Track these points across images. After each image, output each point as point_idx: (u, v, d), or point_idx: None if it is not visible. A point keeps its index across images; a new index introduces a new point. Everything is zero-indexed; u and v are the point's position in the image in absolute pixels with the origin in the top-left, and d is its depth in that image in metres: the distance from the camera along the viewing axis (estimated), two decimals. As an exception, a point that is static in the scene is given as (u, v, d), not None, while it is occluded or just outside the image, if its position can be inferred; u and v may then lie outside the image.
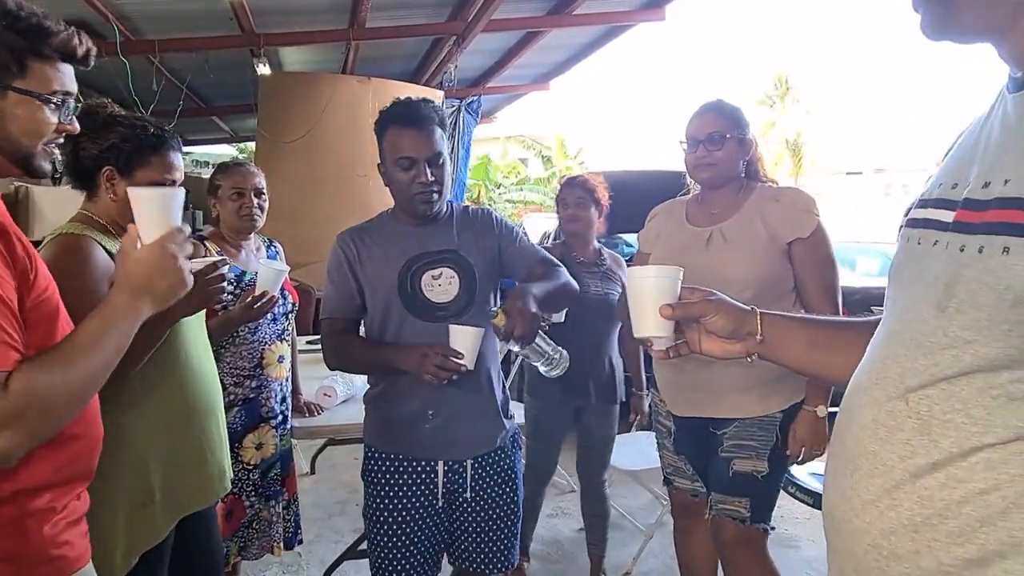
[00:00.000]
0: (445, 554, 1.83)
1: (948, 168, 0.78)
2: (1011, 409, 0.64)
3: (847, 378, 0.82)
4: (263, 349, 2.23)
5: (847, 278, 1.90)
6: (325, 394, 2.55)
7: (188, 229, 1.12)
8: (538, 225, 8.05)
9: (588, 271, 2.56)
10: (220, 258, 1.54)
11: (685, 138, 1.93)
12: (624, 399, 2.71)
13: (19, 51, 1.01)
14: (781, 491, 2.01)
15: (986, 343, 0.65)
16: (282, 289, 2.22)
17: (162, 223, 1.09)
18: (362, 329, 1.81)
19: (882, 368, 0.74)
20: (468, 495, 1.74)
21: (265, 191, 2.29)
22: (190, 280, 1.12)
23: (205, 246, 2.17)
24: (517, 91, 8.90)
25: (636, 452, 2.99)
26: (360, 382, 2.45)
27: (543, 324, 2.18)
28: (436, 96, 6.30)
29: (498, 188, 17.29)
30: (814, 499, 2.38)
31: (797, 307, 1.86)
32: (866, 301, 3.77)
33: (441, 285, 1.68)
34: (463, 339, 1.53)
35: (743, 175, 1.94)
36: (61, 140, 1.11)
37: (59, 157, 1.27)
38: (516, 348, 1.54)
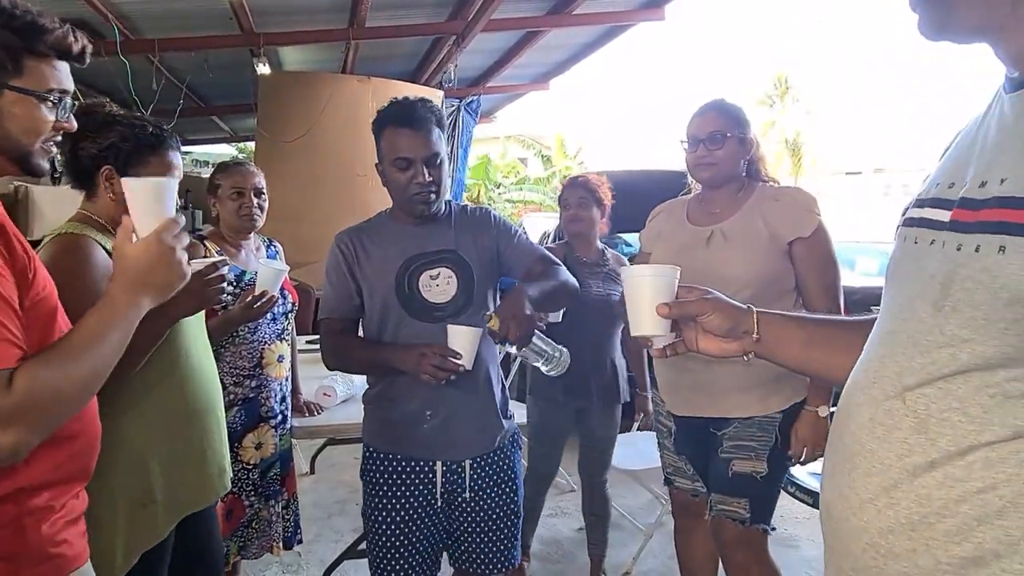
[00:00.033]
0: (445, 554, 1.83)
1: (945, 168, 0.78)
2: (1008, 408, 0.64)
3: (845, 377, 0.82)
4: (263, 349, 2.23)
5: (847, 278, 1.90)
6: (325, 394, 2.55)
7: (183, 219, 1.11)
8: (538, 225, 8.04)
9: (591, 272, 2.56)
10: (220, 259, 1.54)
11: (686, 137, 1.93)
12: (628, 399, 2.71)
13: (14, 49, 1.00)
14: (781, 491, 2.01)
15: (982, 342, 0.65)
16: (282, 289, 2.22)
17: (157, 214, 1.08)
18: (361, 329, 1.81)
19: (879, 367, 0.74)
20: (467, 495, 1.74)
21: (265, 191, 2.29)
22: (188, 271, 1.11)
23: (205, 246, 2.17)
24: (517, 91, 8.90)
25: (636, 452, 2.98)
26: (360, 382, 2.45)
27: (539, 324, 2.18)
28: (436, 96, 6.30)
29: (498, 188, 17.28)
30: (814, 499, 2.38)
31: (798, 307, 1.86)
32: (866, 301, 3.77)
33: (439, 285, 1.68)
34: (461, 339, 1.53)
35: (744, 174, 1.94)
36: (59, 138, 1.11)
37: (58, 156, 1.26)
38: (513, 350, 1.54)
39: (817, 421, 1.83)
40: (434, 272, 1.68)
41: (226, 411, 1.84)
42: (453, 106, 7.72)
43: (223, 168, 2.30)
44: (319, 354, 1.82)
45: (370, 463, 1.76)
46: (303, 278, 4.23)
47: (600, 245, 2.67)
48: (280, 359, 2.30)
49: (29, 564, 0.99)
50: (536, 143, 19.59)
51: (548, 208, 15.03)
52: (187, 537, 1.60)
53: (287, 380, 2.36)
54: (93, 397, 1.08)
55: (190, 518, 1.58)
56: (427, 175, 1.63)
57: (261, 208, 2.27)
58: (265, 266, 2.06)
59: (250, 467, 2.23)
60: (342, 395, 2.60)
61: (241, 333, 2.18)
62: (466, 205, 1.85)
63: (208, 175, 2.50)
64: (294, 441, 2.47)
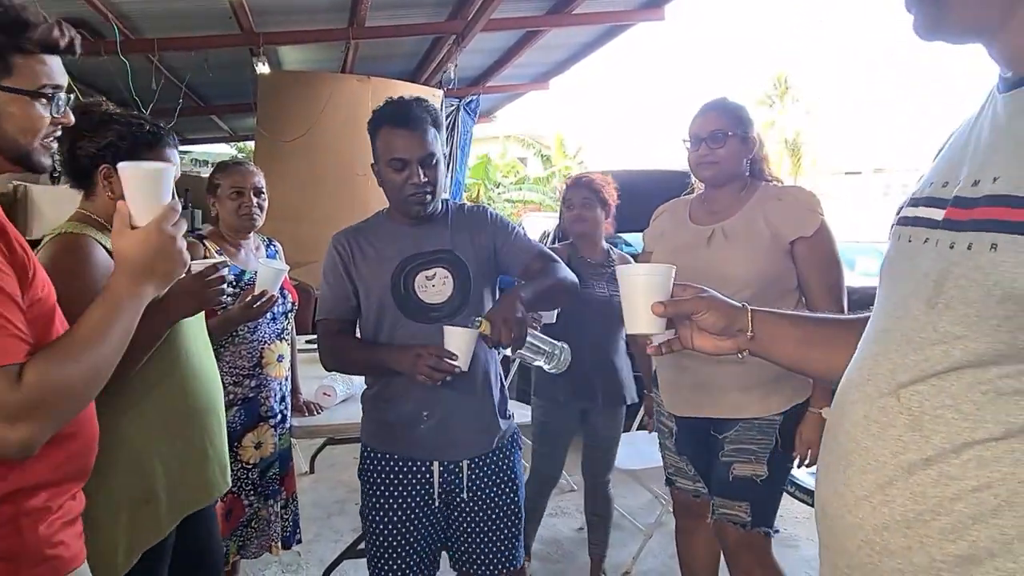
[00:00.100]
0: (446, 556, 1.82)
1: (939, 167, 0.78)
2: (1000, 405, 0.64)
3: (839, 375, 0.82)
4: (262, 348, 2.23)
5: (847, 278, 1.90)
6: (324, 393, 2.55)
7: (179, 206, 1.10)
8: (537, 224, 8.06)
9: (595, 272, 2.54)
10: (221, 259, 1.54)
11: (688, 136, 1.93)
12: (636, 399, 2.71)
13: (1, 48, 0.99)
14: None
15: (975, 338, 0.65)
16: (281, 288, 2.22)
17: (154, 200, 1.07)
18: (358, 330, 1.80)
19: (873, 364, 0.75)
20: (465, 496, 1.74)
21: (264, 190, 2.29)
22: (188, 259, 1.11)
23: (204, 245, 2.17)
24: (516, 90, 8.90)
25: (636, 452, 2.98)
26: (359, 381, 2.45)
27: (533, 325, 2.17)
28: (435, 96, 6.30)
29: (497, 187, 17.29)
30: (812, 498, 2.37)
31: (801, 307, 1.86)
32: (866, 301, 3.74)
33: (435, 286, 1.67)
34: (457, 340, 1.52)
35: (747, 174, 1.93)
36: (59, 133, 1.11)
37: (56, 156, 1.26)
38: (509, 352, 1.54)
39: (821, 423, 1.82)
40: (430, 272, 1.68)
41: (226, 411, 1.84)
42: (453, 106, 7.72)
43: (222, 167, 2.30)
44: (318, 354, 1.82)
45: (368, 463, 1.76)
46: (303, 278, 4.23)
47: (605, 246, 2.65)
48: (280, 359, 2.30)
49: (26, 565, 0.99)
50: (536, 143, 19.59)
51: (548, 208, 15.04)
52: (187, 537, 1.60)
53: (287, 380, 2.37)
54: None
55: (190, 518, 1.58)
56: (422, 175, 1.62)
57: (261, 208, 2.27)
58: (265, 266, 2.06)
59: (249, 466, 2.23)
60: (342, 395, 2.60)
61: (241, 333, 2.18)
62: (463, 204, 1.85)
63: (207, 175, 2.49)
64: (293, 441, 2.47)
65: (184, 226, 1.10)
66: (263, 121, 5.63)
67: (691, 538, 2.17)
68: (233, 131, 11.15)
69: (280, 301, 2.23)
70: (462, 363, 1.52)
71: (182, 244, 1.09)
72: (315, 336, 1.91)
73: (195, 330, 1.61)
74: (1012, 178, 0.65)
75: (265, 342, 2.24)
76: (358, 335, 1.78)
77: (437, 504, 1.73)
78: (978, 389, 0.65)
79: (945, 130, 0.84)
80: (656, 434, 2.20)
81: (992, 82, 0.74)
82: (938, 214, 0.72)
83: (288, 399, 2.38)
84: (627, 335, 1.10)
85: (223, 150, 13.81)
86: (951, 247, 0.69)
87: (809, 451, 1.84)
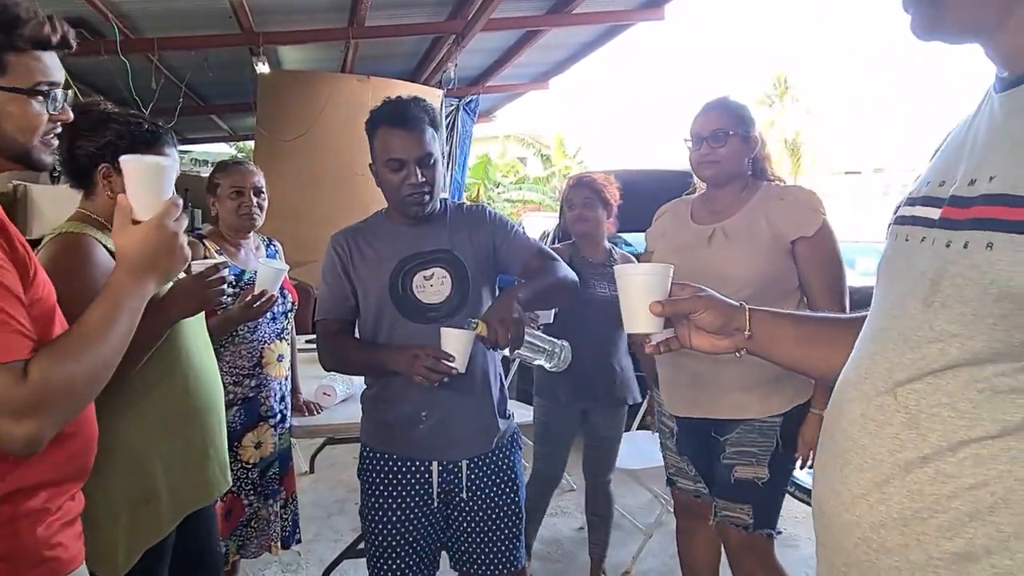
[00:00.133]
0: (446, 556, 1.82)
1: (936, 167, 0.79)
2: (996, 403, 0.65)
3: (838, 374, 0.83)
4: (262, 348, 2.23)
5: (847, 278, 1.89)
6: (324, 393, 2.55)
7: (181, 201, 1.11)
8: (537, 224, 8.06)
9: (596, 272, 2.53)
10: (221, 260, 1.54)
11: (690, 136, 1.93)
12: (638, 399, 2.70)
13: None
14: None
15: (971, 336, 0.66)
16: (281, 288, 2.22)
17: (156, 194, 1.07)
18: (357, 331, 1.80)
19: (870, 363, 0.75)
20: (464, 496, 1.74)
21: (264, 190, 2.29)
22: (189, 255, 1.12)
23: (204, 245, 2.17)
24: (516, 90, 8.90)
25: (636, 451, 2.99)
26: (359, 381, 2.45)
27: (531, 325, 2.17)
28: (435, 95, 6.30)
29: (497, 187, 17.29)
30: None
31: (803, 307, 1.85)
32: (866, 301, 3.74)
33: (433, 286, 1.67)
34: (454, 342, 1.52)
35: (749, 173, 1.93)
36: (59, 130, 1.11)
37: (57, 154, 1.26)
38: (507, 353, 1.54)
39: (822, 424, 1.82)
40: (428, 272, 1.68)
41: (226, 410, 1.84)
42: (452, 105, 7.72)
43: (222, 167, 2.30)
44: (318, 353, 1.82)
45: (367, 463, 1.76)
46: (303, 277, 4.23)
47: (608, 245, 2.64)
48: (280, 358, 2.30)
49: (24, 567, 0.99)
50: (535, 142, 19.58)
51: (547, 208, 15.05)
52: (187, 537, 1.60)
53: (287, 379, 2.37)
54: None
55: (190, 518, 1.58)
56: (420, 176, 1.62)
57: (260, 207, 2.27)
58: (265, 265, 2.06)
59: (249, 466, 2.23)
60: (342, 394, 2.60)
61: (241, 332, 2.18)
62: (462, 203, 1.85)
63: (207, 174, 2.50)
64: (293, 440, 2.47)
65: (185, 222, 1.11)
66: (263, 121, 5.63)
67: (692, 538, 2.17)
68: (233, 131, 11.14)
69: (280, 301, 2.23)
70: (459, 365, 1.52)
71: (184, 240, 1.10)
72: (315, 336, 1.91)
73: (195, 329, 1.61)
74: (1008, 177, 0.66)
75: (265, 342, 2.24)
76: (357, 335, 1.78)
77: (436, 504, 1.73)
78: (974, 387, 0.66)
79: (943, 130, 0.84)
80: (656, 434, 2.20)
81: (989, 82, 0.75)
82: (935, 213, 0.73)
83: (288, 399, 2.39)
84: (626, 333, 1.10)
85: (223, 150, 13.81)
86: (947, 246, 0.69)
87: (811, 452, 1.84)
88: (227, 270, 1.57)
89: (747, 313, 1.01)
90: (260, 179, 2.28)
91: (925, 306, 0.70)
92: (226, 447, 1.69)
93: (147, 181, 1.08)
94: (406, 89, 5.50)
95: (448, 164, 7.80)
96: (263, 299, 2.00)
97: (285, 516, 2.38)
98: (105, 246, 1.39)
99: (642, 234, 2.21)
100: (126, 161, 1.08)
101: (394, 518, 1.70)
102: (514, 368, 3.93)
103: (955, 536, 0.66)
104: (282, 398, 2.33)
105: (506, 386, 1.87)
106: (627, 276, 1.08)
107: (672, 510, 2.27)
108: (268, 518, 2.30)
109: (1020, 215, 0.63)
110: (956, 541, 0.65)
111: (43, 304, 1.02)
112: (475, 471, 1.74)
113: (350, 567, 2.77)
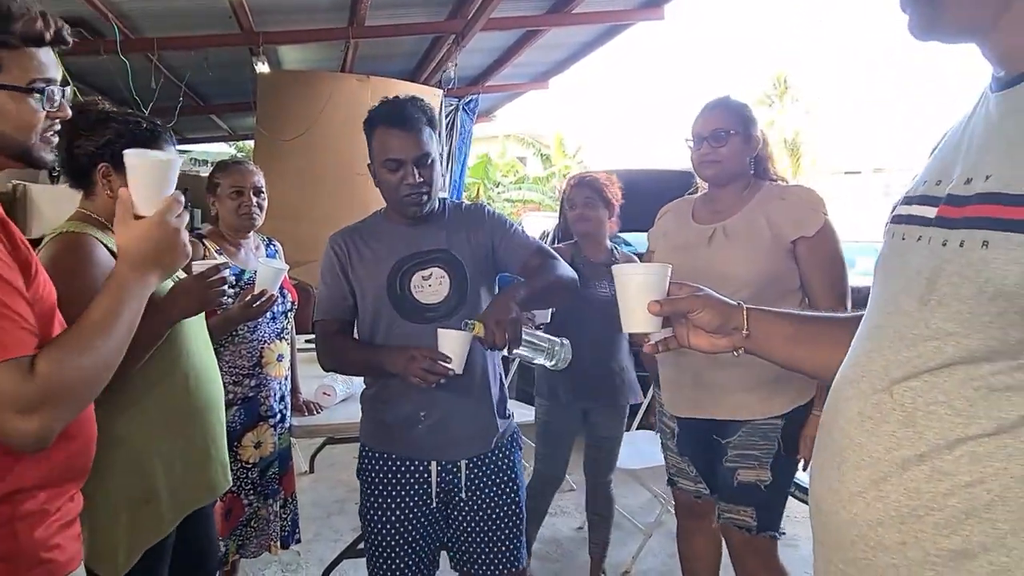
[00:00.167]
0: (446, 556, 1.82)
1: (933, 166, 0.79)
2: (992, 401, 0.65)
3: (835, 373, 0.83)
4: (262, 348, 2.23)
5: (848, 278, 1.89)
6: (324, 393, 2.56)
7: (183, 197, 1.11)
8: (537, 224, 8.06)
9: (598, 272, 2.53)
10: (222, 260, 1.54)
11: (691, 135, 1.92)
12: (639, 399, 2.70)
13: None
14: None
15: (967, 335, 0.66)
16: (281, 288, 2.22)
17: (158, 190, 1.08)
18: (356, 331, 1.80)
19: (867, 361, 0.76)
20: (463, 495, 1.73)
21: (264, 189, 2.29)
22: (190, 251, 1.13)
23: (204, 244, 2.17)
24: (516, 90, 8.89)
25: (636, 451, 2.99)
26: (359, 381, 2.45)
27: (529, 324, 2.16)
28: (435, 95, 6.30)
29: (497, 187, 17.28)
30: (810, 496, 2.37)
31: (804, 307, 1.85)
32: (866, 300, 3.78)
33: (431, 286, 1.67)
34: (451, 343, 1.52)
35: (751, 173, 1.93)
36: (58, 126, 1.11)
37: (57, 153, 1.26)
38: (506, 353, 1.53)
39: None
40: (426, 272, 1.67)
41: (225, 410, 1.84)
42: (452, 105, 7.72)
43: (222, 167, 2.30)
44: (318, 353, 1.82)
45: (366, 463, 1.76)
46: (302, 277, 4.23)
47: (610, 245, 2.64)
48: (279, 358, 2.30)
49: (22, 568, 0.99)
50: (535, 142, 19.57)
51: (547, 207, 15.05)
52: (187, 536, 1.61)
53: (286, 379, 2.37)
54: None
55: (189, 517, 1.58)
56: (417, 176, 1.62)
57: (260, 207, 2.27)
58: (264, 265, 2.06)
59: (249, 466, 2.23)
60: (341, 394, 2.60)
61: (240, 332, 2.18)
62: (461, 202, 1.84)
63: (207, 174, 2.50)
64: (293, 440, 2.47)
65: (187, 218, 1.12)
66: (263, 120, 5.63)
67: (693, 538, 2.17)
68: (232, 130, 11.13)
69: (280, 300, 2.24)
70: (456, 366, 1.52)
71: (185, 236, 1.11)
72: (314, 335, 1.91)
73: (196, 329, 1.61)
74: (1004, 176, 0.66)
75: (265, 341, 2.24)
76: (356, 335, 1.78)
77: (435, 504, 1.73)
78: (970, 385, 0.66)
79: (942, 129, 0.84)
80: (657, 434, 2.20)
81: (985, 82, 0.75)
82: (931, 212, 0.73)
83: (288, 398, 2.39)
84: (625, 333, 1.10)
85: (222, 149, 13.79)
86: (943, 244, 0.69)
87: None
88: (228, 270, 1.57)
89: (745, 312, 1.01)
90: (260, 179, 2.28)
91: (921, 304, 0.70)
92: (226, 446, 1.69)
93: (151, 176, 1.08)
94: (406, 89, 5.50)
95: (448, 164, 7.80)
96: (263, 299, 2.01)
97: (285, 516, 2.38)
98: (106, 246, 1.39)
99: (643, 234, 2.21)
100: (130, 155, 1.08)
101: (393, 518, 1.70)
102: (514, 368, 3.93)
103: (952, 533, 0.66)
104: (282, 398, 2.33)
105: (506, 386, 1.87)
106: (625, 275, 1.08)
107: (672, 510, 2.27)
108: (268, 518, 2.30)
109: (1015, 214, 0.63)
110: (953, 538, 0.66)
111: (44, 303, 1.03)
112: (474, 471, 1.74)
113: (350, 567, 2.77)
